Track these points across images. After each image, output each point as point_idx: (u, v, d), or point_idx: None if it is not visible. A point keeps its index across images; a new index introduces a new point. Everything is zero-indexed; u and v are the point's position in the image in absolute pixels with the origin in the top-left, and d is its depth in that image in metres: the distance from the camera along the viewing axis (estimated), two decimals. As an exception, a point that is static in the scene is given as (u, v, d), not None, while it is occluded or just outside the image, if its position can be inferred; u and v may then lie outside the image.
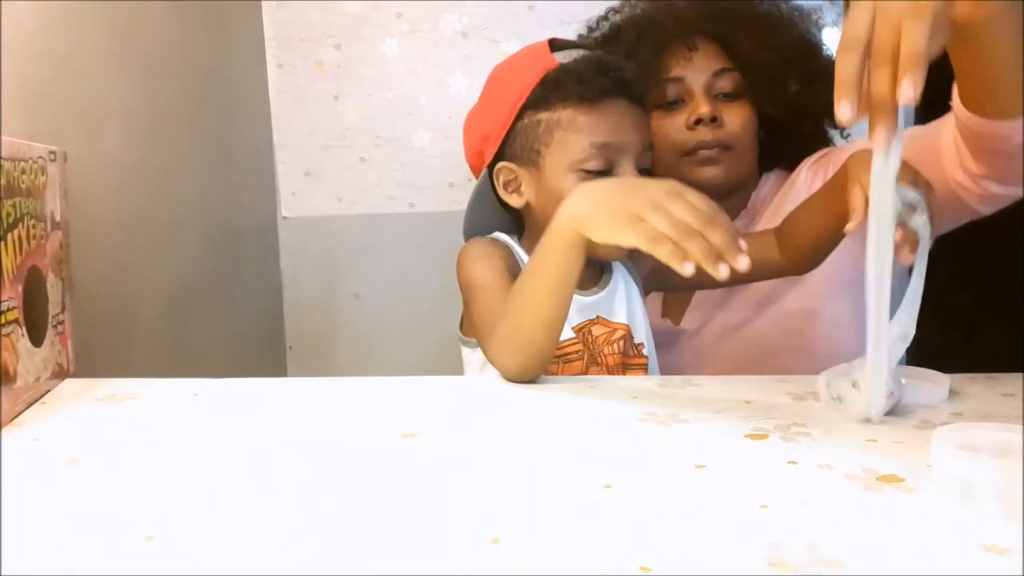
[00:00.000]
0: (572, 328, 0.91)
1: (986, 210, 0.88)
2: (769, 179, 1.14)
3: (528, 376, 0.80)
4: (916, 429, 0.64)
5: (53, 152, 0.82)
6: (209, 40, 1.49)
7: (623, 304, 0.94)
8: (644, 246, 0.68)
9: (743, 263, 0.63)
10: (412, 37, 1.73)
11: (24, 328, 0.74)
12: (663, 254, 0.66)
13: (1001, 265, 2.05)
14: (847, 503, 0.51)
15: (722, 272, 0.63)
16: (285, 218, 1.81)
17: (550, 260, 0.77)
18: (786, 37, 1.09)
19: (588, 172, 0.88)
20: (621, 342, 0.92)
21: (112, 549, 0.46)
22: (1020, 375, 0.78)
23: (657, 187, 0.72)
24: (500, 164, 0.94)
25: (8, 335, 0.70)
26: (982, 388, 0.77)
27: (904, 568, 0.43)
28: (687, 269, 0.64)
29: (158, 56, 1.28)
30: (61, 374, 0.82)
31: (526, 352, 0.79)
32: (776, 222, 1.05)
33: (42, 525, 0.49)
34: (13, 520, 0.50)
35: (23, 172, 0.75)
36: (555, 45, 0.94)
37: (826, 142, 1.14)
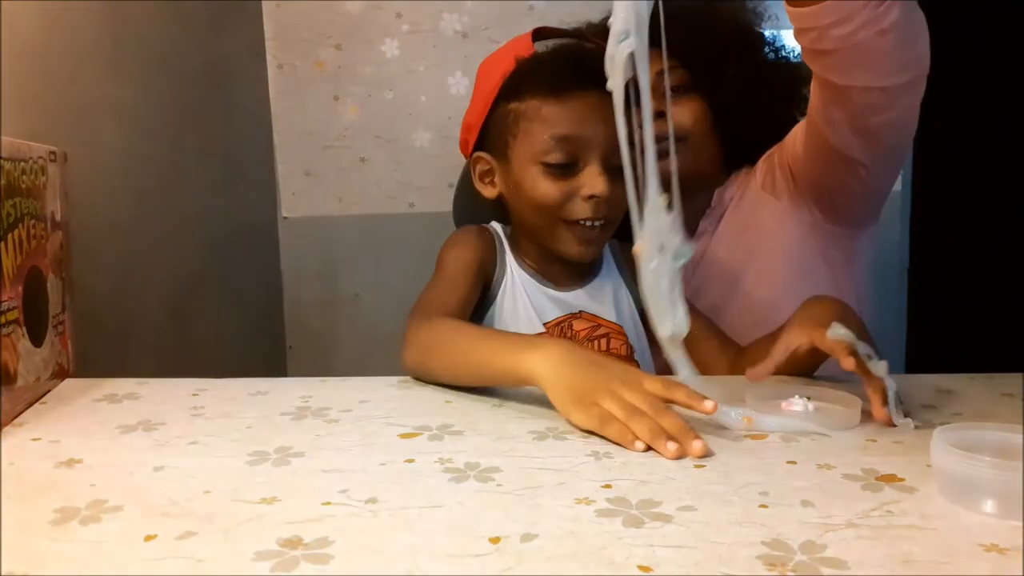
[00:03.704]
0: (545, 324, 0.89)
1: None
2: (736, 178, 1.14)
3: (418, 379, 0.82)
4: (916, 429, 0.64)
5: (53, 152, 0.82)
6: (209, 40, 1.49)
7: (611, 308, 0.93)
8: (595, 429, 0.65)
9: (696, 447, 0.60)
10: (412, 37, 1.73)
11: (24, 328, 0.74)
12: (612, 434, 0.63)
13: (1001, 265, 2.05)
14: (847, 503, 0.51)
15: (670, 448, 0.60)
16: (285, 218, 1.81)
17: (495, 375, 0.75)
18: (716, 28, 1.08)
19: (549, 166, 0.85)
20: (604, 340, 0.90)
21: (112, 549, 0.46)
22: (1020, 375, 0.78)
23: (616, 374, 0.68)
24: (476, 154, 0.93)
25: (8, 335, 0.70)
26: (982, 388, 0.77)
27: (904, 568, 0.43)
28: (637, 446, 0.62)
29: (158, 56, 1.28)
30: (61, 374, 0.82)
31: (427, 376, 0.80)
32: (739, 220, 1.03)
33: (42, 525, 0.49)
34: (13, 520, 0.50)
35: (23, 172, 0.75)
36: (540, 34, 0.93)
37: (781, 137, 1.14)
